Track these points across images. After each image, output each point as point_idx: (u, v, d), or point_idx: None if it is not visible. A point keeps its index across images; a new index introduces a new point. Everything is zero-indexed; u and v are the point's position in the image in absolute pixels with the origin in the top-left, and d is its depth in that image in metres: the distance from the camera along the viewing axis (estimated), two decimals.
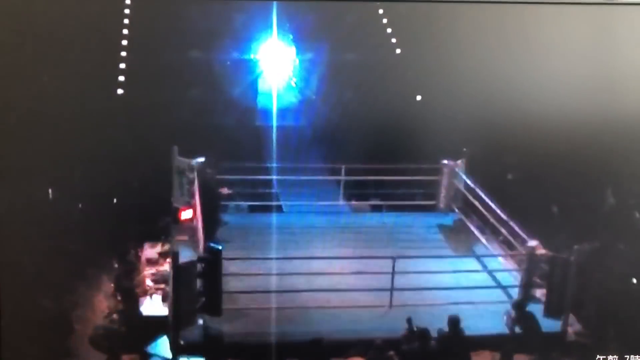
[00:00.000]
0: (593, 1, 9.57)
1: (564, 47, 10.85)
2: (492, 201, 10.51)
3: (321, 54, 13.69)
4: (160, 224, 10.47)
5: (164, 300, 9.18)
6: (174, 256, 8.21)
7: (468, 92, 11.83)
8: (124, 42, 12.91)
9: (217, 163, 10.50)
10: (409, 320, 8.44)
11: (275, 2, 15.44)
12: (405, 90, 13.06)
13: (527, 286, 9.20)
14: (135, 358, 8.46)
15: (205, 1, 12.38)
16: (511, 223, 9.95)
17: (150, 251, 10.11)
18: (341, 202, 11.71)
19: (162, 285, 9.42)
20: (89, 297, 9.33)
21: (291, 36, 15.71)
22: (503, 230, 10.21)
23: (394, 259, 9.08)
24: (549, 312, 8.96)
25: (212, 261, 8.45)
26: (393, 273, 9.04)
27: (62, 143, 10.79)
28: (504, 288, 9.55)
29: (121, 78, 12.66)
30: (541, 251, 9.24)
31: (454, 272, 9.48)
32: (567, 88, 10.83)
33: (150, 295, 9.34)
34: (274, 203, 11.69)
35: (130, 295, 9.11)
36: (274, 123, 14.23)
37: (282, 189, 11.87)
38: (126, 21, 13.00)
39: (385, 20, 13.90)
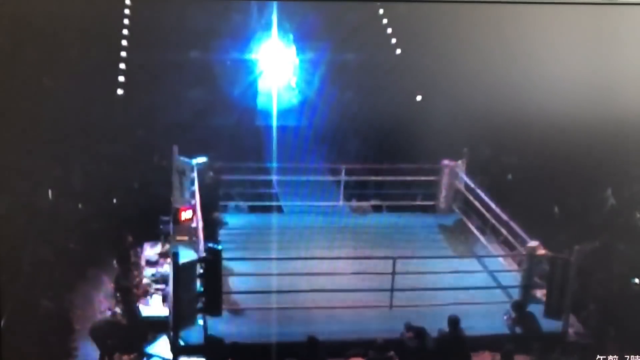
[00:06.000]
0: (593, 1, 9.57)
1: (564, 47, 10.86)
2: (492, 201, 10.50)
3: (321, 54, 13.70)
4: (160, 224, 10.47)
5: (164, 300, 9.17)
6: (174, 256, 8.21)
7: (468, 92, 11.84)
8: (124, 42, 12.92)
9: (217, 163, 10.49)
10: (407, 325, 8.45)
11: (275, 2, 15.45)
12: (405, 90, 13.08)
13: (527, 286, 9.20)
14: (135, 358, 8.45)
15: (205, 1, 12.40)
16: (511, 223, 9.95)
17: (150, 251, 10.10)
18: (341, 202, 11.70)
19: (162, 286, 9.42)
20: (89, 297, 9.33)
21: (291, 36, 15.71)
22: (503, 231, 10.21)
23: (394, 259, 9.08)
24: (549, 313, 8.95)
25: (212, 261, 8.45)
26: (393, 273, 9.04)
27: (63, 143, 10.80)
28: (504, 288, 9.55)
29: (121, 78, 12.68)
30: (541, 251, 9.23)
31: (454, 272, 9.47)
32: (567, 88, 10.83)
33: (150, 295, 9.34)
34: (274, 203, 11.68)
35: (130, 295, 9.11)
36: (274, 123, 14.25)
37: (282, 189, 11.87)
38: (126, 21, 13.02)
39: (385, 21, 13.91)
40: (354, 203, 11.89)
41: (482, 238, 10.76)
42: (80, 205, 10.78)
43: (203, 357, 8.25)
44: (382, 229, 11.14)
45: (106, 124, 11.50)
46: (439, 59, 12.29)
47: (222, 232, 10.53)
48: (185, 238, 9.63)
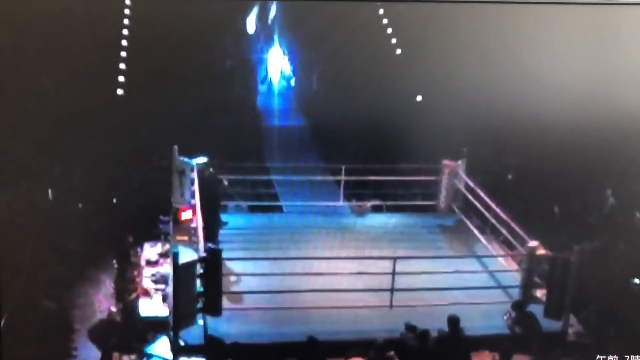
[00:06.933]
0: (593, 1, 9.57)
1: (564, 47, 10.86)
2: (492, 201, 10.50)
3: (321, 54, 13.70)
4: (160, 224, 10.47)
5: (164, 300, 9.17)
6: (174, 256, 8.21)
7: (468, 93, 11.84)
8: (124, 42, 12.92)
9: (217, 163, 10.49)
10: (408, 325, 8.46)
11: (275, 2, 15.42)
12: (405, 90, 13.07)
13: (527, 286, 9.20)
14: (135, 358, 8.45)
15: (206, 1, 12.39)
16: (511, 223, 9.95)
17: (150, 251, 10.10)
18: (341, 202, 11.70)
19: (162, 286, 9.42)
20: (89, 297, 9.33)
21: (291, 36, 15.70)
22: (503, 231, 10.21)
23: (394, 259, 9.08)
24: (549, 312, 8.95)
25: (212, 261, 8.45)
26: (393, 273, 9.04)
27: (62, 143, 10.80)
28: (504, 288, 9.55)
29: (121, 78, 12.68)
30: (541, 251, 9.23)
31: (454, 272, 9.47)
32: (567, 88, 10.83)
33: (150, 295, 9.34)
34: (274, 203, 11.69)
35: (130, 295, 9.12)
36: (274, 123, 14.24)
37: (282, 189, 11.87)
38: (126, 21, 13.02)
39: (385, 21, 13.91)
40: (354, 203, 11.89)
41: (482, 238, 10.76)
42: (80, 205, 10.78)
43: (203, 357, 8.25)
44: (382, 229, 11.14)
45: (106, 124, 11.50)
46: (439, 59, 12.29)
47: (222, 232, 10.53)
48: (185, 238, 9.63)
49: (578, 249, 8.91)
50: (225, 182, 10.92)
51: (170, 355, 8.36)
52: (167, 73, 12.31)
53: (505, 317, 8.92)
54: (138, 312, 8.89)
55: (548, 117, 10.94)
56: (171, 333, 8.38)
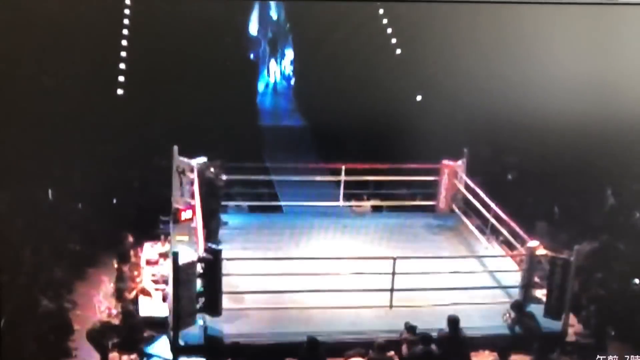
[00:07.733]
0: (593, 1, 9.58)
1: (564, 47, 10.88)
2: (492, 201, 10.50)
3: (321, 54, 13.72)
4: (160, 224, 10.47)
5: (164, 300, 9.17)
6: (174, 256, 8.21)
7: (468, 92, 11.86)
8: (124, 42, 12.94)
9: (217, 163, 10.49)
10: (408, 325, 8.45)
11: (275, 3, 15.45)
12: (405, 90, 13.09)
13: (527, 286, 9.20)
14: (135, 358, 8.45)
15: (206, 1, 12.40)
16: (511, 223, 9.94)
17: (150, 251, 10.10)
18: (341, 202, 11.69)
19: (162, 285, 9.42)
20: (89, 297, 9.33)
21: (292, 36, 15.73)
22: (503, 231, 10.21)
23: (394, 259, 9.07)
24: (549, 312, 8.95)
25: (212, 261, 8.45)
26: (393, 273, 9.03)
27: (63, 143, 10.81)
28: (504, 288, 9.54)
29: (121, 78, 12.69)
30: (541, 251, 9.23)
31: (454, 272, 9.47)
32: (567, 88, 10.85)
33: (150, 295, 9.33)
34: (274, 203, 11.69)
35: (130, 295, 9.11)
36: (274, 123, 14.25)
37: (282, 189, 11.87)
38: (126, 21, 13.04)
39: (385, 21, 13.93)
40: (354, 203, 11.88)
41: (482, 238, 10.76)
42: (80, 205, 10.78)
43: (203, 357, 8.25)
44: (382, 229, 11.13)
45: (106, 124, 11.51)
46: (439, 59, 12.31)
47: (222, 231, 10.53)
48: (185, 238, 9.62)
49: (578, 249, 8.91)
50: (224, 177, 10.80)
51: (170, 355, 8.36)
52: (167, 73, 12.33)
53: (505, 317, 8.91)
54: (138, 312, 8.88)
55: (548, 117, 10.95)
56: (171, 333, 8.37)
